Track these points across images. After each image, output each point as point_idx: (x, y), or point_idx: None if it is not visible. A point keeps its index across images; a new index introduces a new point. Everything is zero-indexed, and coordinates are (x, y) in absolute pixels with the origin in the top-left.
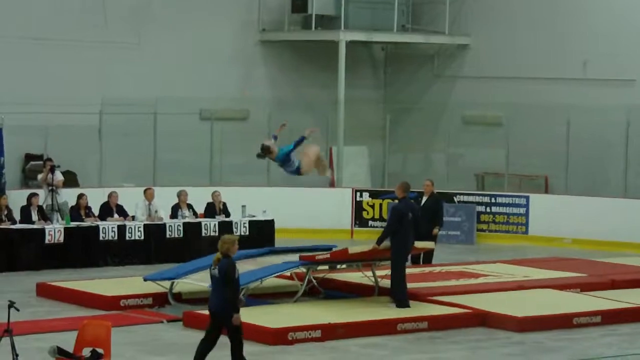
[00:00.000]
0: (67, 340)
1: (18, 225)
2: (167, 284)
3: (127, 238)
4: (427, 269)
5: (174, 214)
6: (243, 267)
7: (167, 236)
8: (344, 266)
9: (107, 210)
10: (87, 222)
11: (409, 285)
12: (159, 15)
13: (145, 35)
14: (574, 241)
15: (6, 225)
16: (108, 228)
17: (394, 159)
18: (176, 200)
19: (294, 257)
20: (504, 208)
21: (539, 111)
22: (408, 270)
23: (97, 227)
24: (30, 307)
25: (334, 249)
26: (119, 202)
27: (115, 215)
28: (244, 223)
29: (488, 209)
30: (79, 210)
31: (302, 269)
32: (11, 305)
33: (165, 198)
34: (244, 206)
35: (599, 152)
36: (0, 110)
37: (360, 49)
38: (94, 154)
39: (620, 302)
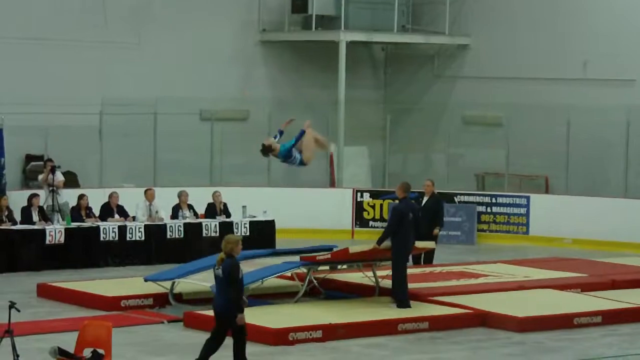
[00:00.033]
0: (68, 341)
1: (19, 226)
2: (167, 284)
3: (128, 238)
4: (427, 269)
5: (174, 215)
6: (243, 268)
7: (168, 237)
8: (344, 266)
9: (107, 210)
10: (88, 223)
11: (410, 285)
12: (159, 15)
13: (146, 35)
14: (575, 241)
15: (7, 225)
16: (109, 228)
17: (395, 159)
18: (177, 201)
19: (295, 258)
20: (504, 208)
21: (539, 111)
22: (409, 271)
23: (98, 227)
24: (31, 308)
25: (334, 249)
26: (120, 203)
27: (116, 216)
28: (245, 223)
29: (488, 209)
30: (79, 210)
31: (303, 270)
32: (12, 305)
33: (165, 198)
34: (244, 206)
35: (599, 152)
36: (1, 110)
37: (360, 49)
38: (95, 155)
39: (621, 302)
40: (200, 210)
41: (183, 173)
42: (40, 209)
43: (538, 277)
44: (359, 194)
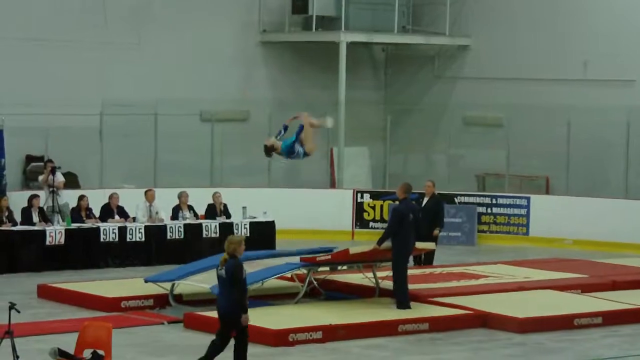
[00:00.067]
0: (68, 342)
1: (19, 227)
2: (168, 285)
3: (128, 239)
4: (427, 270)
5: (174, 216)
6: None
7: (168, 237)
8: (344, 267)
9: (107, 211)
10: (88, 224)
11: (410, 286)
12: (159, 16)
13: (146, 36)
14: (575, 242)
15: (7, 226)
16: (109, 229)
17: (395, 160)
18: (177, 202)
19: (295, 259)
20: (504, 209)
21: (539, 112)
22: (409, 272)
23: (98, 228)
24: (31, 309)
25: (334, 251)
26: (120, 204)
27: (116, 217)
28: (245, 224)
29: (489, 210)
30: (79, 211)
31: (303, 270)
32: (12, 306)
33: (166, 199)
34: (244, 207)
35: (599, 153)
36: (1, 111)
37: (360, 50)
38: (95, 155)
39: (621, 303)
40: (201, 211)
41: (183, 174)
42: (41, 209)
43: (538, 278)
44: (359, 195)
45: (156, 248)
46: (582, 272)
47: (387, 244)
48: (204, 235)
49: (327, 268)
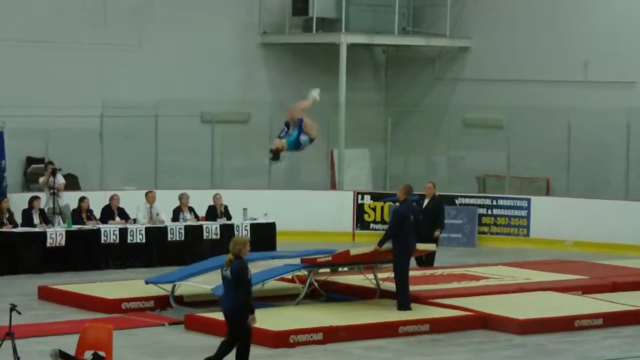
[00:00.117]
0: (69, 344)
1: (19, 229)
2: (168, 286)
3: (129, 241)
4: (428, 272)
5: (175, 217)
6: None
7: (169, 239)
8: (345, 269)
9: (108, 213)
10: (89, 225)
11: (411, 287)
12: (160, 17)
13: (146, 37)
14: (575, 243)
15: (8, 228)
16: (109, 231)
17: (396, 161)
18: (177, 203)
19: (295, 260)
20: (505, 210)
21: (539, 113)
22: (410, 273)
23: (99, 230)
24: (32, 310)
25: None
26: (121, 205)
27: (117, 218)
28: (246, 226)
29: (489, 212)
30: (80, 213)
31: (304, 272)
32: (13, 308)
33: (166, 201)
34: (245, 209)
35: (599, 155)
36: (1, 113)
37: (361, 51)
38: (95, 157)
39: (622, 305)
40: (201, 212)
41: (184, 175)
42: (41, 211)
43: (539, 279)
44: (359, 197)
45: (157, 250)
46: (582, 273)
47: (388, 245)
48: (205, 237)
49: (328, 269)
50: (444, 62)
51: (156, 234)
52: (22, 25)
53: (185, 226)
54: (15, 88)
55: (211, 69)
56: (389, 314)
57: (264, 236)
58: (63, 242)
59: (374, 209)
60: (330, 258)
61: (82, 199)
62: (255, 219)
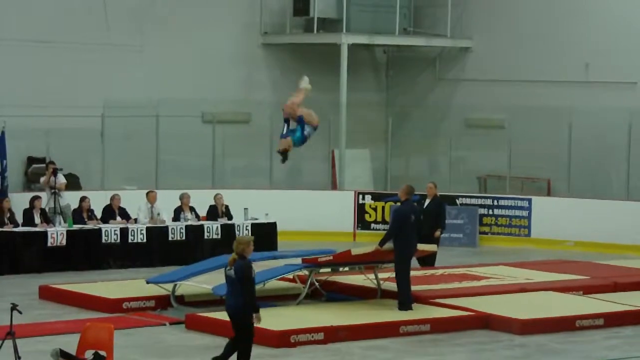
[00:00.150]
0: (70, 343)
1: (20, 228)
2: (169, 286)
3: (130, 241)
4: (429, 272)
5: (176, 217)
6: None
7: (170, 239)
8: (346, 269)
9: (109, 213)
10: (90, 225)
11: (412, 287)
12: (161, 17)
13: (147, 37)
14: (577, 244)
15: (9, 228)
16: (110, 231)
17: (396, 161)
18: (178, 203)
19: (296, 260)
20: (506, 211)
21: (541, 114)
22: (411, 273)
23: (100, 229)
24: (33, 310)
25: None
26: (122, 205)
27: (118, 218)
28: (247, 226)
29: (490, 212)
30: (81, 213)
31: (305, 272)
32: (14, 307)
33: (167, 201)
34: (246, 209)
35: (601, 155)
36: (3, 113)
37: (362, 52)
38: (96, 157)
39: (623, 305)
40: (202, 212)
41: (185, 175)
42: (42, 211)
43: (540, 279)
44: (360, 197)
45: (158, 249)
46: (583, 273)
47: (389, 245)
48: (206, 237)
49: (329, 269)
50: (445, 63)
51: (157, 233)
52: (24, 25)
53: (186, 226)
54: (16, 88)
55: (212, 69)
56: (390, 314)
57: (264, 236)
58: (64, 242)
59: (375, 209)
60: (331, 258)
61: (83, 199)
62: (256, 219)
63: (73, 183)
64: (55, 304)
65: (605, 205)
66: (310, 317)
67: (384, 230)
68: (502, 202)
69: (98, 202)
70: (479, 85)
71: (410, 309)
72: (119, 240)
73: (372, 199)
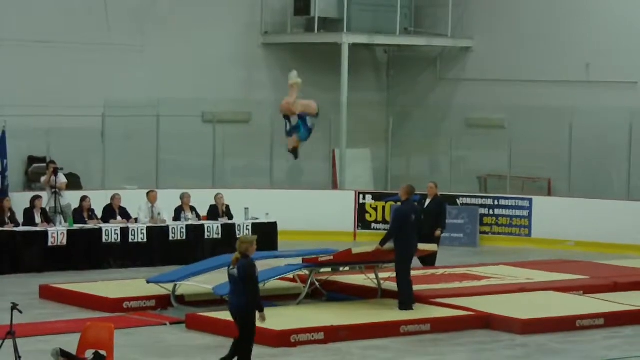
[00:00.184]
0: (70, 343)
1: (21, 228)
2: (170, 286)
3: (130, 240)
4: (430, 272)
5: (177, 217)
6: None
7: (170, 238)
8: (346, 268)
9: (110, 212)
10: (90, 225)
11: (413, 287)
12: (162, 17)
13: (148, 37)
14: (577, 243)
15: (9, 227)
16: (111, 230)
17: (397, 161)
18: (179, 203)
19: (297, 260)
20: (507, 210)
21: (541, 114)
22: (412, 273)
23: (100, 229)
24: (33, 310)
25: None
26: (122, 205)
27: (118, 218)
28: (247, 225)
29: (491, 212)
30: (82, 212)
31: (305, 271)
32: (14, 307)
33: (168, 200)
34: (246, 209)
35: (602, 155)
36: (3, 113)
37: (363, 51)
38: (97, 157)
39: (623, 305)
40: (203, 212)
41: (185, 175)
42: (43, 210)
43: (540, 279)
44: (361, 196)
45: (158, 249)
46: (584, 273)
47: (390, 244)
48: (206, 237)
49: (329, 269)
50: (446, 62)
51: (158, 233)
52: (24, 25)
53: (187, 226)
54: (17, 88)
55: (213, 69)
56: (390, 314)
57: (265, 236)
58: (64, 242)
59: (375, 209)
60: (331, 257)
61: (83, 198)
62: (256, 219)
63: (74, 183)
64: (55, 304)
65: (606, 205)
66: (310, 316)
67: (384, 230)
68: (502, 202)
69: (99, 201)
70: (480, 85)
71: (411, 308)
72: (119, 240)
73: (372, 199)
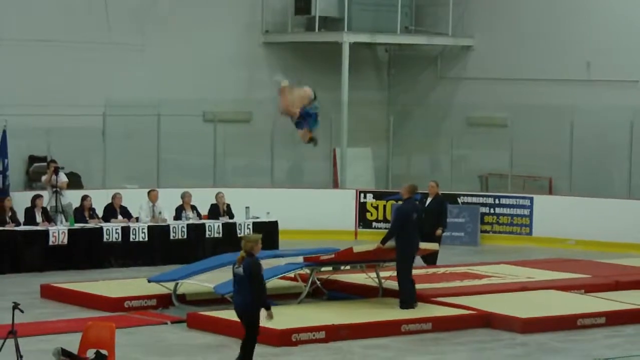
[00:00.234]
0: (72, 342)
1: (22, 227)
2: (171, 285)
3: (131, 239)
4: (431, 270)
5: (177, 216)
6: None
7: (171, 238)
8: (347, 267)
9: (111, 211)
10: (91, 224)
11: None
12: (162, 17)
13: (149, 36)
14: (578, 242)
15: (10, 226)
16: (112, 229)
17: (398, 160)
18: (180, 202)
19: (298, 258)
20: (507, 209)
21: (542, 112)
22: (413, 272)
23: (101, 228)
24: (35, 309)
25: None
26: (123, 204)
27: (119, 217)
28: (248, 224)
29: (492, 210)
30: (82, 211)
31: (306, 270)
32: (15, 306)
33: (169, 200)
34: (247, 208)
35: (602, 153)
36: (4, 112)
37: (363, 50)
38: (98, 156)
39: (624, 304)
40: (204, 211)
41: (186, 174)
42: (44, 210)
43: (541, 278)
44: (362, 195)
45: (159, 248)
46: (585, 272)
47: (391, 243)
48: (207, 236)
49: (330, 268)
50: (447, 61)
51: (159, 232)
52: (24, 24)
53: (188, 225)
54: (17, 87)
55: (213, 68)
56: (391, 313)
57: (266, 235)
58: (65, 241)
59: (376, 208)
60: (332, 256)
61: (84, 198)
62: (257, 218)
63: (74, 182)
64: (56, 303)
65: (606, 204)
66: (311, 315)
67: (385, 228)
68: (503, 201)
69: (99, 200)
70: (481, 83)
71: (412, 307)
72: (120, 239)
73: (373, 198)
